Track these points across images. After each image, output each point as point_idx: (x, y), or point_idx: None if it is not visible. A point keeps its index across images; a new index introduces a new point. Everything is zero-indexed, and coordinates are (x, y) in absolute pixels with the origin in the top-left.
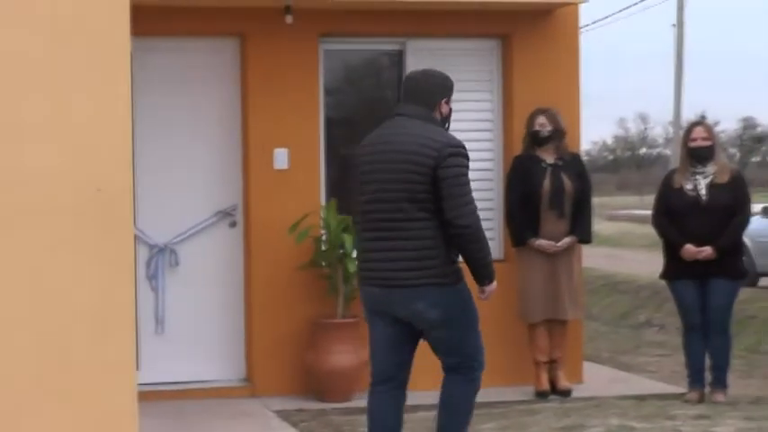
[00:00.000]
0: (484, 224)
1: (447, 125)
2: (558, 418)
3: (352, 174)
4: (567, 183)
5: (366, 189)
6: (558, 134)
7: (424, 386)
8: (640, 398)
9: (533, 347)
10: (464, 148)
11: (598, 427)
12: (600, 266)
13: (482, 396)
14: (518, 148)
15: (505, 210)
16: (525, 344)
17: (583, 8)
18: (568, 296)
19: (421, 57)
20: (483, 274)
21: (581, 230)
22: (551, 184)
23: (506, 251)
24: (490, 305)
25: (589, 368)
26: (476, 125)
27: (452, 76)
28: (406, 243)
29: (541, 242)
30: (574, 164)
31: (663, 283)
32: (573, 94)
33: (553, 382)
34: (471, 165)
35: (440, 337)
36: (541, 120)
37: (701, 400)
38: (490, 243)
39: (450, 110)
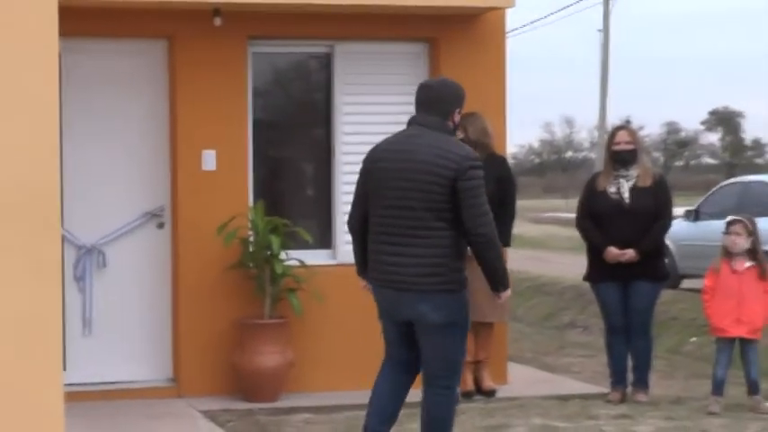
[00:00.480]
0: None
1: (456, 133)
2: (483, 418)
3: (364, 178)
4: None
5: (385, 195)
6: (481, 137)
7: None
8: (563, 398)
9: None
10: (480, 161)
11: (521, 426)
12: (525, 269)
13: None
14: None
15: None
16: None
17: (509, 13)
18: (493, 300)
19: (349, 60)
20: (499, 281)
21: (501, 234)
22: None
23: None
24: None
25: (513, 369)
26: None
27: (380, 79)
28: (423, 251)
29: None
30: (494, 167)
31: (587, 284)
32: (499, 98)
33: (478, 383)
34: None
35: (436, 341)
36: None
37: (623, 400)
38: None
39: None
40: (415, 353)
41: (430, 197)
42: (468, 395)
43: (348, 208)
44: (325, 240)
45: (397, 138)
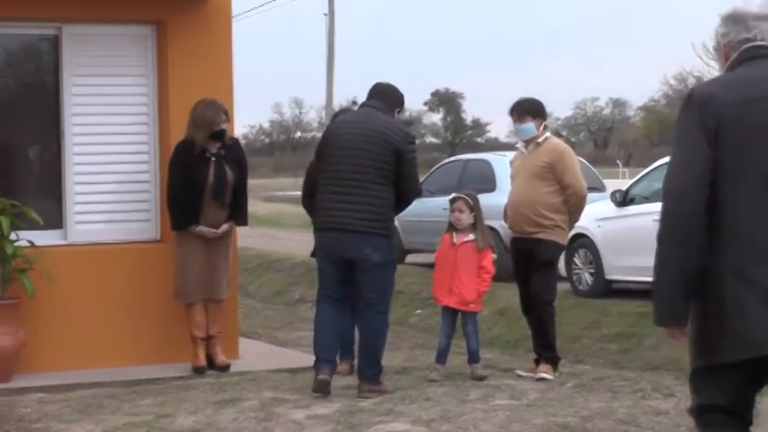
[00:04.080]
0: (140, 206)
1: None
2: (215, 393)
3: (324, 145)
4: (230, 174)
5: (341, 154)
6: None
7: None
8: (293, 371)
9: (191, 324)
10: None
11: (253, 400)
12: (257, 246)
13: (139, 373)
14: (175, 133)
15: (167, 195)
16: (183, 322)
17: None
18: (225, 277)
19: (78, 42)
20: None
21: (239, 216)
22: (215, 177)
23: (163, 233)
24: (145, 285)
25: (245, 344)
26: (132, 109)
27: (108, 61)
28: (370, 200)
29: (202, 228)
30: (235, 151)
31: (315, 261)
32: (226, 80)
33: (211, 358)
34: (128, 149)
35: (374, 276)
36: (224, 117)
37: (351, 371)
38: (147, 225)
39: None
40: (346, 288)
41: (379, 158)
42: (200, 370)
43: (79, 188)
44: (56, 221)
45: (354, 114)
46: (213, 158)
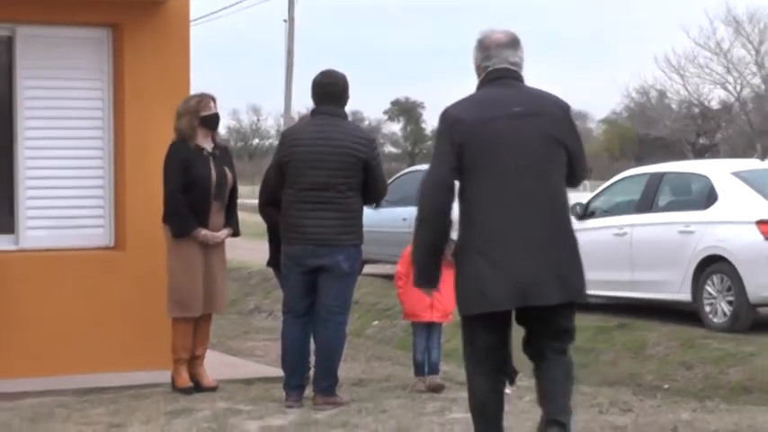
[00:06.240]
0: (93, 212)
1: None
2: (168, 403)
3: (287, 161)
4: (228, 173)
5: (307, 174)
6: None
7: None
8: (247, 381)
9: (177, 344)
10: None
11: (206, 410)
12: None
13: (90, 382)
14: (130, 140)
15: (165, 200)
16: (136, 330)
17: (194, 1)
18: (222, 289)
19: (32, 44)
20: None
21: (233, 223)
22: (218, 174)
23: (117, 239)
24: (98, 292)
25: None
26: (87, 113)
27: (64, 64)
28: (340, 215)
29: (206, 234)
30: (227, 154)
31: (271, 270)
32: (184, 86)
33: (197, 379)
34: (81, 153)
35: (341, 284)
36: (212, 104)
37: (307, 383)
38: (100, 231)
39: None
40: (308, 302)
41: (347, 174)
42: (187, 391)
43: (32, 193)
44: (7, 226)
45: (313, 127)
46: (211, 156)
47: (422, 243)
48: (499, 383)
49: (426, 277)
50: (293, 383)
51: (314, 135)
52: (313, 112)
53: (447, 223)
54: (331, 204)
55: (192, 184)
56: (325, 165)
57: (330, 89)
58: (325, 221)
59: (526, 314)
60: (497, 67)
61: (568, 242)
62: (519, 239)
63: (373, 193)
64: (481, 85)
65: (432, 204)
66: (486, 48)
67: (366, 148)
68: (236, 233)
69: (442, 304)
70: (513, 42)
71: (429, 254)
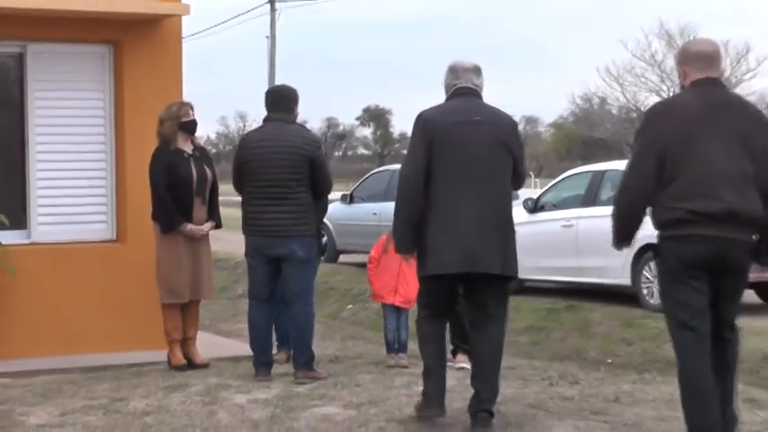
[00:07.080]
0: (96, 209)
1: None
2: (165, 379)
3: (244, 162)
4: (207, 171)
5: (263, 173)
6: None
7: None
8: (236, 359)
9: (168, 326)
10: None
11: (199, 385)
12: None
13: (96, 361)
14: (130, 143)
15: (153, 200)
16: (136, 314)
17: (186, 19)
18: (209, 277)
19: (41, 59)
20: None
21: (215, 216)
22: (198, 173)
23: (118, 233)
24: (101, 280)
25: None
26: (91, 120)
27: (70, 77)
28: (294, 208)
29: (192, 227)
30: (205, 155)
31: None
32: (177, 95)
33: (189, 357)
34: (86, 156)
35: (300, 270)
36: (191, 111)
37: (288, 360)
38: (103, 226)
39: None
40: (273, 286)
41: (296, 171)
42: (182, 368)
43: (42, 192)
44: (20, 222)
45: (265, 131)
46: (191, 158)
47: (401, 216)
48: (443, 329)
49: (405, 244)
50: (262, 360)
51: (269, 138)
52: (266, 119)
53: (420, 201)
54: (285, 199)
55: (176, 183)
56: (278, 164)
57: (280, 99)
58: (279, 215)
59: (471, 286)
60: (463, 85)
61: (508, 232)
62: (471, 219)
63: (320, 188)
64: (450, 98)
65: (409, 185)
66: (455, 71)
67: (312, 148)
68: (218, 225)
69: (406, 291)
70: (477, 70)
71: (407, 224)
